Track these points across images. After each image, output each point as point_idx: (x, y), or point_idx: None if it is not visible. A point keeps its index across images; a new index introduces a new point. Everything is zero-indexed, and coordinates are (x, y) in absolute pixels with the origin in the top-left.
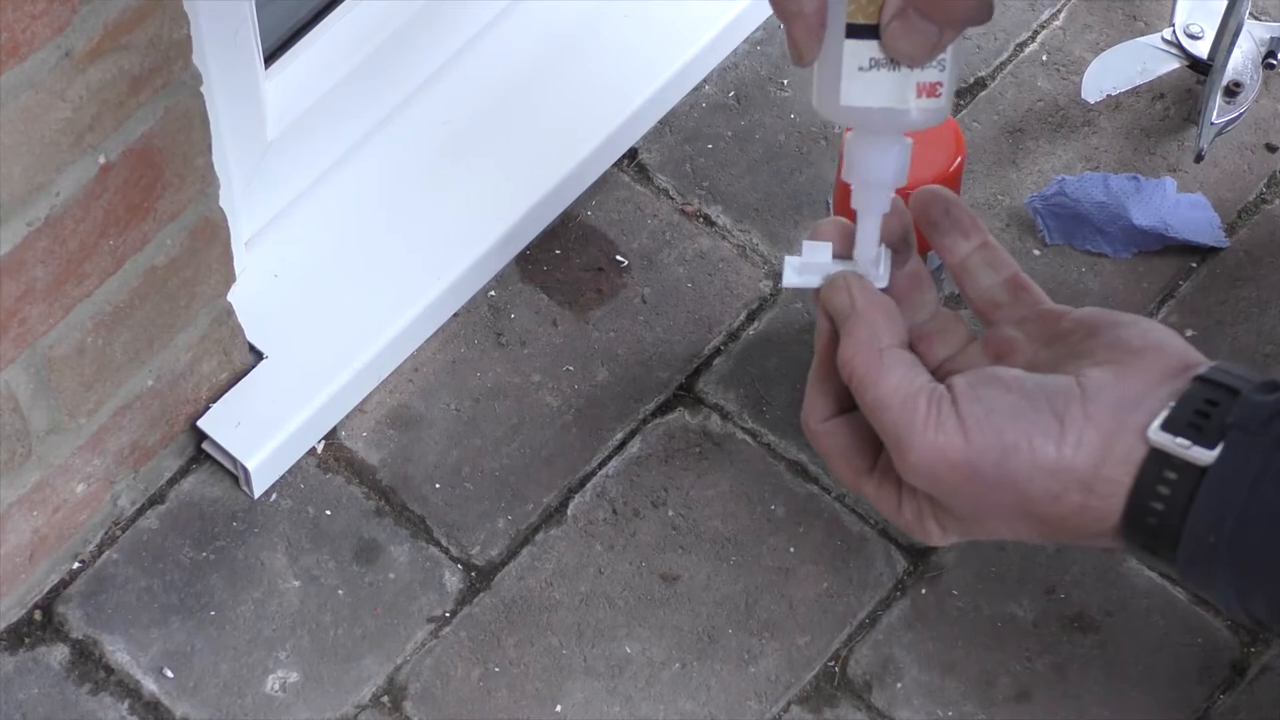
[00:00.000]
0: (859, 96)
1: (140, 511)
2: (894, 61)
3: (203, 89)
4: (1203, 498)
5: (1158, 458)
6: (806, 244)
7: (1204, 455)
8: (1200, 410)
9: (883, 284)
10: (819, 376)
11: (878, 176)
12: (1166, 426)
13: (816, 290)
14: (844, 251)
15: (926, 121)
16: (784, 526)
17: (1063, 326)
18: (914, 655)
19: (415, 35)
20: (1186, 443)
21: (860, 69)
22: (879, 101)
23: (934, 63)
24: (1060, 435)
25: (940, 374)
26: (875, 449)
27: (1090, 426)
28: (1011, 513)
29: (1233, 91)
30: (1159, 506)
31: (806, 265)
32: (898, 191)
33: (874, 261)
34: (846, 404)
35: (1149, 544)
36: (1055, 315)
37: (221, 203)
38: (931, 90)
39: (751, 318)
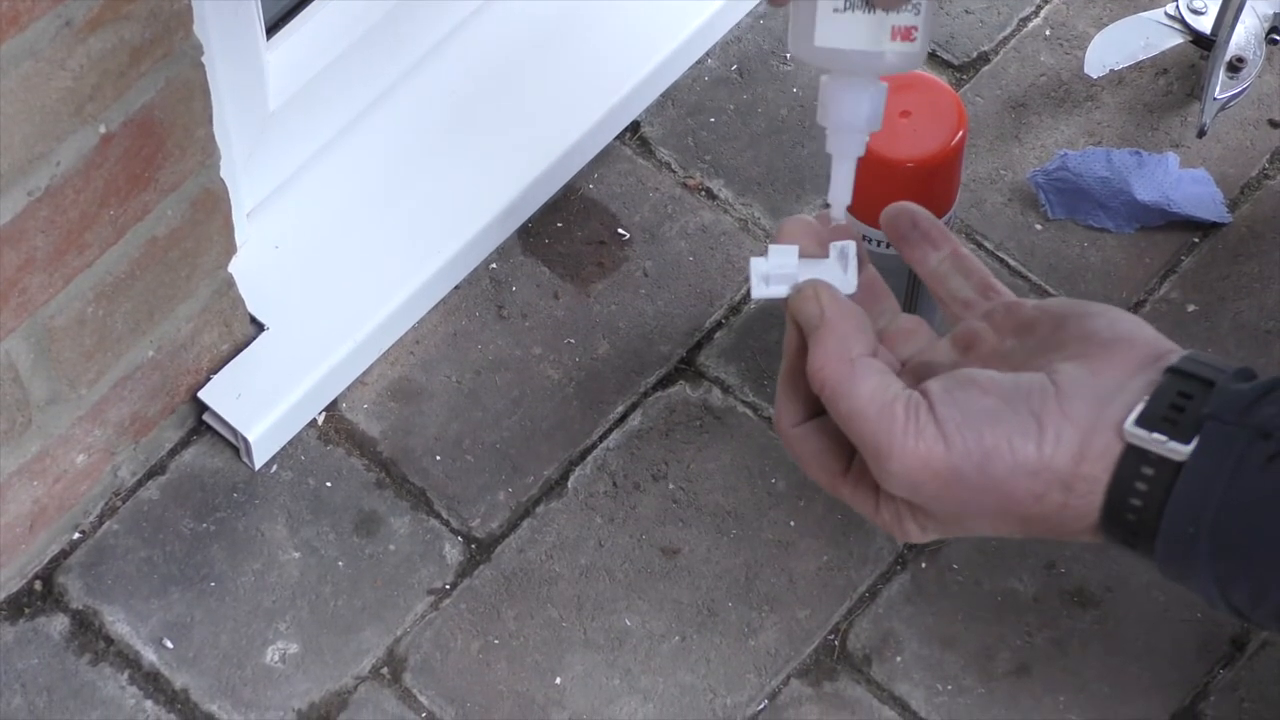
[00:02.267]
0: (833, 38)
1: (140, 482)
2: (869, 4)
3: (204, 60)
4: (1180, 491)
5: (1135, 453)
6: (773, 247)
7: (1180, 449)
8: (1174, 404)
9: (851, 289)
10: (789, 382)
11: (851, 119)
12: (1142, 422)
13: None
14: (811, 251)
15: (901, 65)
16: (784, 500)
17: (1029, 315)
18: (914, 629)
19: (418, 7)
20: (1163, 438)
21: (835, 10)
22: (853, 44)
23: (909, 6)
24: (1040, 435)
25: (908, 370)
26: (849, 451)
27: (1068, 424)
28: (994, 514)
29: (1236, 67)
30: (1137, 502)
31: (774, 273)
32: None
33: (844, 206)
34: (817, 408)
35: (1129, 539)
36: (1021, 305)
37: (223, 174)
38: (906, 34)
39: None
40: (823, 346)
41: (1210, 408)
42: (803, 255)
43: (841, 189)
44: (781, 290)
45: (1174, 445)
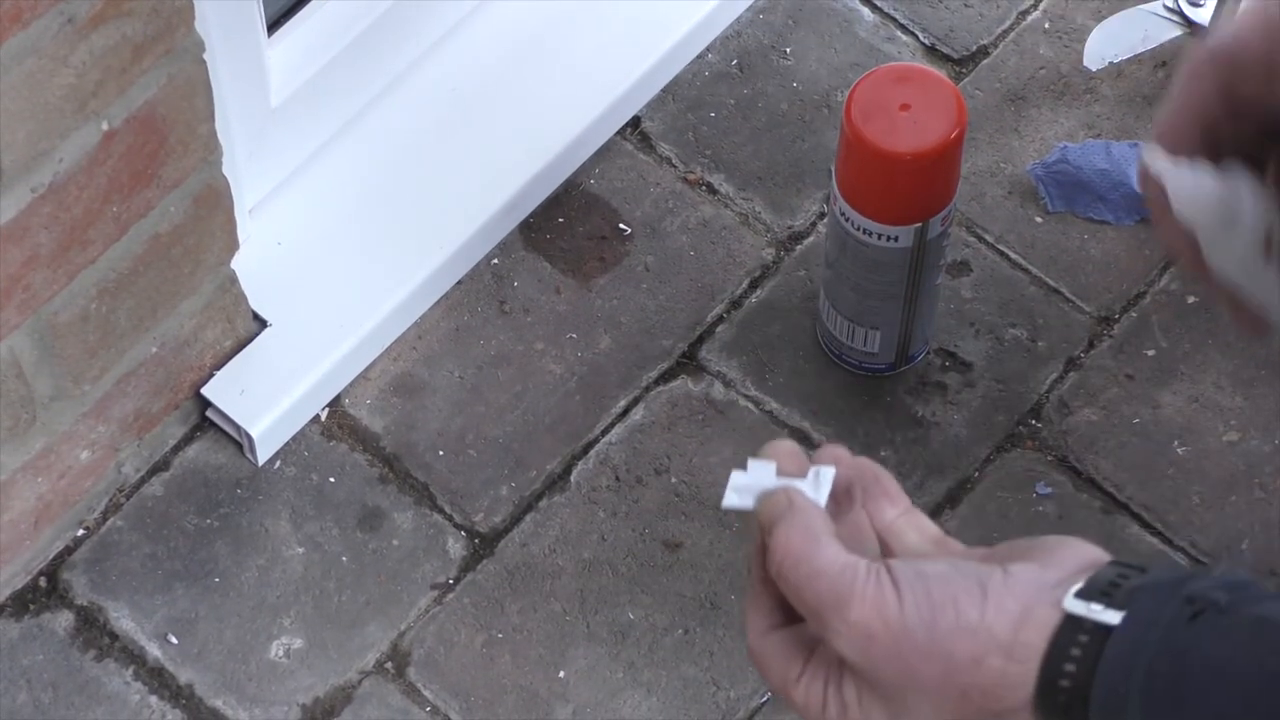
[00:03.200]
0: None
1: (144, 478)
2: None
3: (205, 56)
4: (1111, 653)
5: (1071, 622)
6: (751, 462)
7: (1114, 617)
8: (1112, 581)
9: (820, 505)
10: (756, 592)
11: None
12: (1080, 595)
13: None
14: (789, 471)
15: None
16: None
17: (985, 553)
18: None
19: (418, 4)
20: (1099, 607)
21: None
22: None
23: None
24: (983, 600)
25: None
26: (807, 654)
27: (1010, 596)
28: (937, 684)
29: None
30: (1071, 668)
31: (747, 485)
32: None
33: None
34: (782, 619)
35: (1063, 707)
36: (974, 552)
37: (225, 170)
38: None
39: (754, 285)
40: (787, 524)
41: (1142, 582)
42: (780, 474)
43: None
44: (749, 502)
45: (1109, 614)
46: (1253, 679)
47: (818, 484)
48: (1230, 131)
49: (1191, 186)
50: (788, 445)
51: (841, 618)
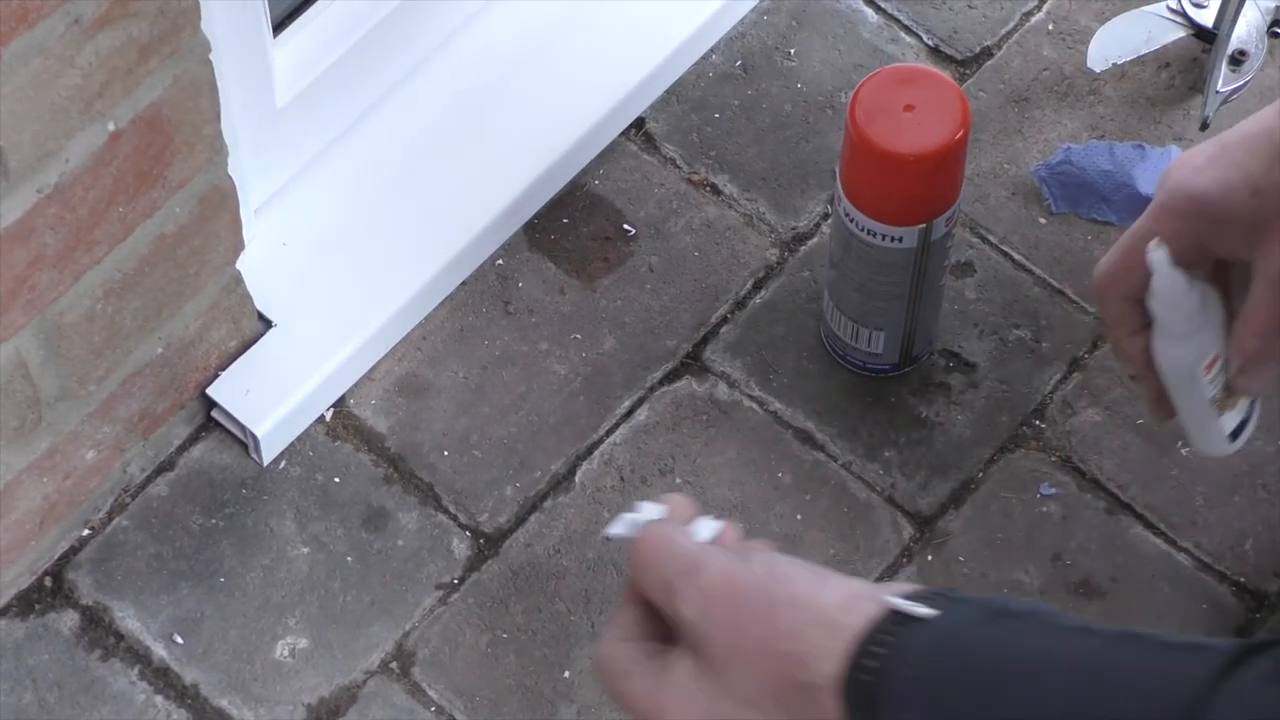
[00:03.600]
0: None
1: (150, 479)
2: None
3: (211, 57)
4: (915, 640)
5: (892, 614)
6: (644, 504)
7: (929, 612)
8: (937, 591)
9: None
10: (621, 610)
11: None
12: (905, 596)
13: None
14: (679, 518)
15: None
16: (791, 494)
17: None
18: None
19: (423, 5)
20: (917, 604)
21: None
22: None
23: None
24: (821, 583)
25: None
26: (648, 662)
27: (844, 586)
28: (760, 647)
29: (1238, 60)
30: (881, 650)
31: (633, 520)
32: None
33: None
34: (638, 633)
35: (865, 685)
36: None
37: (230, 171)
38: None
39: (758, 286)
40: (653, 532)
41: (959, 595)
42: (671, 519)
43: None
44: (630, 532)
45: (925, 610)
46: (1037, 661)
47: (700, 529)
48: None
49: (1177, 292)
50: (681, 497)
51: (691, 582)
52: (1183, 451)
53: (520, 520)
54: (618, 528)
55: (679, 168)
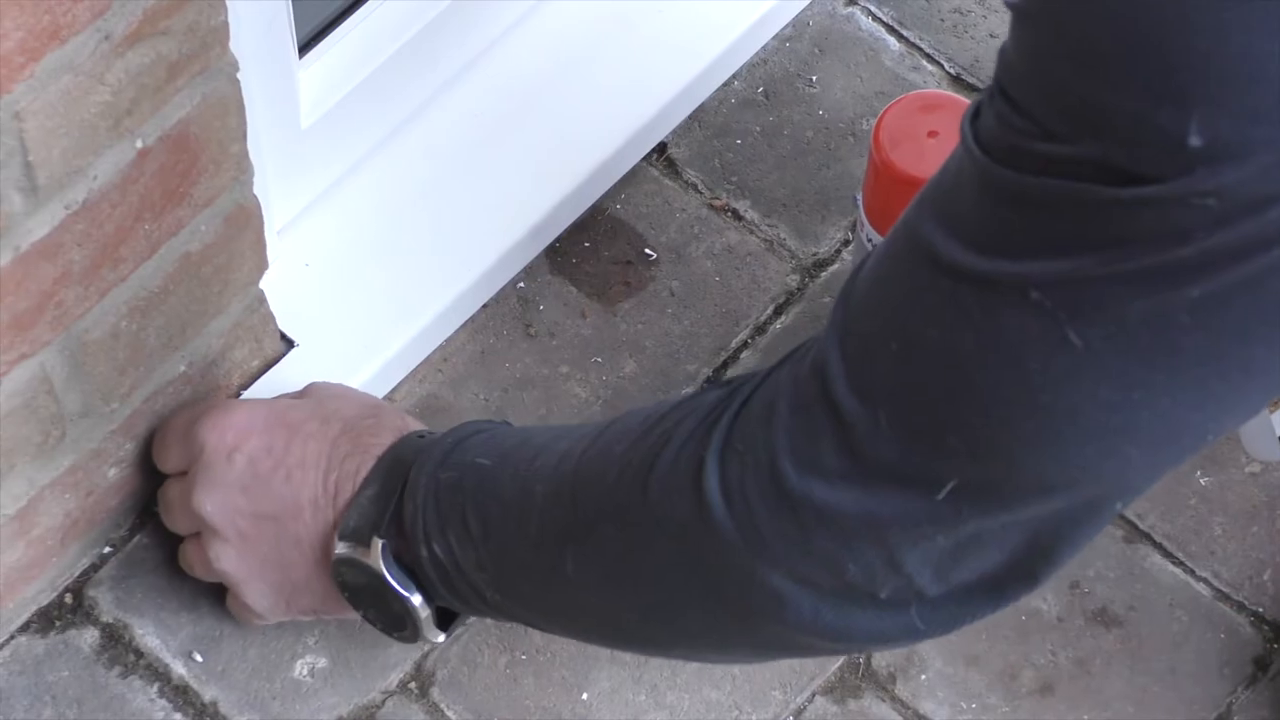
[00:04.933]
0: None
1: None
2: None
3: (239, 76)
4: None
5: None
6: None
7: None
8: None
9: None
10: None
11: None
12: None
13: None
14: None
15: None
16: None
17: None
18: (938, 648)
19: (448, 27)
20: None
21: None
22: None
23: None
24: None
25: None
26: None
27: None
28: (274, 513)
29: None
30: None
31: None
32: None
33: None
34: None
35: (361, 525)
36: None
37: (255, 190)
38: None
39: (779, 311)
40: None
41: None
42: None
43: None
44: None
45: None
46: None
47: None
48: None
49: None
50: None
51: (222, 420)
52: (1201, 481)
53: None
54: None
55: (701, 193)
